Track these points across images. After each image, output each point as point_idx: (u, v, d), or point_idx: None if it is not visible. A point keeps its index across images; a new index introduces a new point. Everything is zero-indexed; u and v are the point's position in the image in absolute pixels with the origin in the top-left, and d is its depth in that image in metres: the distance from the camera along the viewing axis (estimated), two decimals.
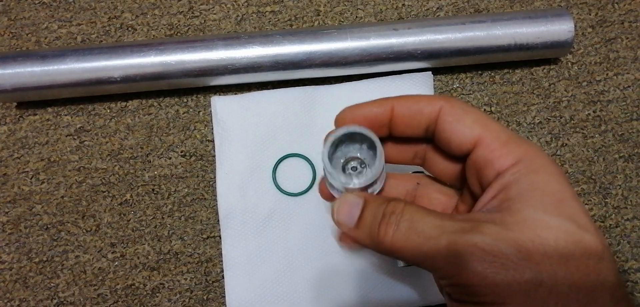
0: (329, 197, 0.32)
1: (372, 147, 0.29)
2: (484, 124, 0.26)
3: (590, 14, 0.50)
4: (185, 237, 0.44)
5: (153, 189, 0.44)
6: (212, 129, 0.45)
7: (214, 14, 0.49)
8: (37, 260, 0.43)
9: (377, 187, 0.30)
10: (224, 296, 0.42)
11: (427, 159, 0.31)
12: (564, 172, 0.25)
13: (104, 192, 0.44)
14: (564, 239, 0.22)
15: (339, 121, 0.30)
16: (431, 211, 0.25)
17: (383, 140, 0.30)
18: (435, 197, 0.32)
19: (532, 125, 0.47)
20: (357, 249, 0.31)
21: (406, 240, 0.24)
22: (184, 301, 0.42)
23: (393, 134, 0.30)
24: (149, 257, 0.43)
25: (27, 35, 0.48)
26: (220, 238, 0.43)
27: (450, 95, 0.47)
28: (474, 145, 0.26)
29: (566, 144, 0.47)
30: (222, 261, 0.43)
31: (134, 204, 0.44)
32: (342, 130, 0.28)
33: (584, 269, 0.21)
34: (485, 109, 0.47)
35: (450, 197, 0.31)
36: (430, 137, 0.29)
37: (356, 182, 0.28)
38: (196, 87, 0.45)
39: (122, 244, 0.43)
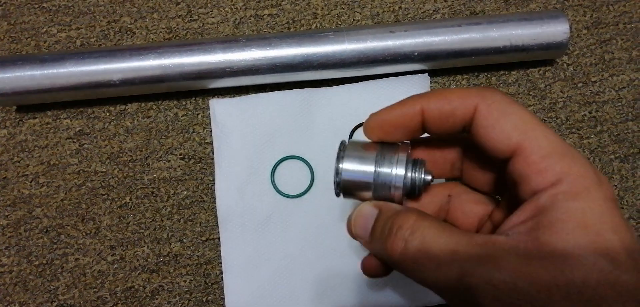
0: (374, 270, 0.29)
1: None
2: (525, 131, 0.22)
3: (585, 16, 0.50)
4: (184, 240, 0.44)
5: (152, 192, 0.45)
6: (211, 131, 0.45)
7: (212, 17, 0.49)
8: (37, 263, 0.43)
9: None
10: (223, 298, 0.42)
11: (464, 169, 0.29)
12: (612, 195, 0.21)
13: (104, 195, 0.44)
14: (595, 280, 0.19)
15: (368, 131, 0.28)
16: (446, 227, 0.23)
17: (416, 144, 0.29)
18: (469, 209, 0.29)
19: None
20: (380, 275, 0.28)
21: (415, 262, 0.22)
22: (183, 303, 0.43)
23: (427, 132, 0.27)
24: (149, 259, 0.43)
25: (26, 39, 0.48)
26: (219, 240, 0.43)
27: None
28: (512, 155, 0.23)
29: None
30: (221, 262, 0.43)
31: (134, 206, 0.44)
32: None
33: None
34: None
35: (487, 207, 0.28)
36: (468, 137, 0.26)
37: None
38: (195, 90, 0.46)
39: (121, 247, 0.44)
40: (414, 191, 0.27)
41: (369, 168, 0.26)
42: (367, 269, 0.28)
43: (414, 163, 0.27)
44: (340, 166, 0.27)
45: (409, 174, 0.26)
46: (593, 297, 0.19)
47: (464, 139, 0.28)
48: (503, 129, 0.22)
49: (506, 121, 0.23)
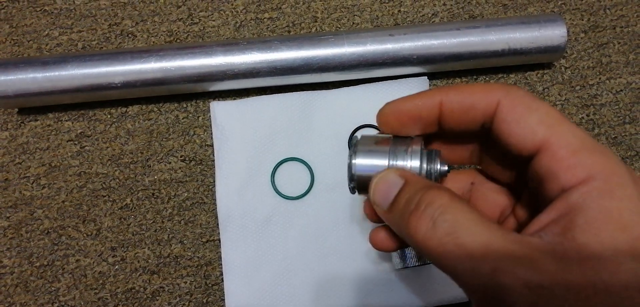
0: (373, 216, 0.28)
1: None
2: (551, 126, 0.21)
3: (582, 20, 0.51)
4: (185, 241, 0.44)
5: (153, 194, 0.45)
6: (212, 133, 0.46)
7: (213, 20, 0.49)
8: (38, 264, 0.43)
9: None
10: (224, 299, 0.42)
11: (483, 159, 0.28)
12: None
13: (105, 196, 0.45)
14: (636, 286, 0.18)
15: (382, 119, 0.26)
16: (480, 216, 0.21)
17: (432, 137, 0.28)
18: (492, 197, 0.27)
19: None
20: (390, 249, 0.27)
21: (443, 247, 0.20)
22: (183, 304, 0.43)
23: (444, 130, 0.26)
24: (149, 261, 0.43)
25: (28, 42, 0.48)
26: (220, 242, 0.43)
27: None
28: (537, 151, 0.21)
29: None
30: (221, 264, 0.43)
31: (134, 208, 0.45)
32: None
33: None
34: None
35: (510, 198, 0.27)
36: (487, 133, 0.24)
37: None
38: (195, 92, 0.46)
39: (122, 248, 0.44)
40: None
41: (383, 162, 0.26)
42: (376, 242, 0.27)
43: (428, 154, 0.26)
44: (354, 161, 0.26)
45: (425, 166, 0.25)
46: (634, 304, 0.18)
47: (479, 137, 0.27)
48: (528, 124, 0.21)
49: (531, 116, 0.21)
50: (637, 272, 0.18)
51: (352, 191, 0.27)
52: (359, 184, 0.27)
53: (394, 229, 0.24)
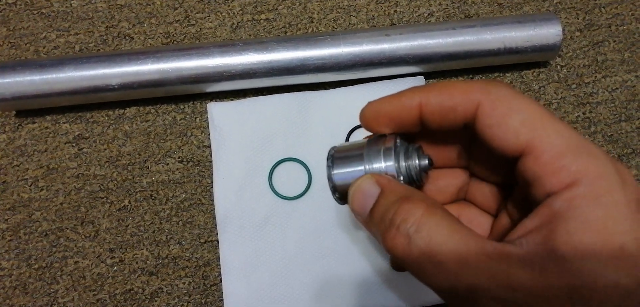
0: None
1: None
2: (535, 127, 0.20)
3: (577, 18, 0.51)
4: (183, 242, 0.44)
5: (151, 195, 0.45)
6: (209, 134, 0.46)
7: (210, 22, 0.50)
8: (36, 266, 0.43)
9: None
10: (222, 300, 0.42)
11: (470, 159, 0.27)
12: (637, 195, 0.19)
13: (103, 198, 0.45)
14: (617, 301, 0.17)
15: (363, 121, 0.26)
16: (457, 227, 0.20)
17: (417, 135, 0.27)
18: (489, 191, 0.27)
19: None
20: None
21: (419, 265, 0.20)
22: (182, 304, 0.43)
23: (428, 129, 0.25)
24: (148, 262, 0.44)
25: (25, 44, 0.48)
26: (218, 242, 0.43)
27: None
28: (521, 154, 0.20)
29: None
30: (219, 265, 0.43)
31: (132, 209, 0.45)
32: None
33: None
34: None
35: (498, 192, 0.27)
36: (471, 133, 0.23)
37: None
38: (193, 93, 0.46)
39: (120, 250, 0.44)
40: (412, 180, 0.25)
41: (359, 167, 0.25)
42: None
43: (406, 150, 0.25)
44: (332, 172, 0.26)
45: (403, 164, 0.25)
46: None
47: (464, 137, 0.27)
48: (510, 126, 0.20)
49: (513, 117, 0.20)
50: (620, 289, 0.17)
51: (339, 201, 0.27)
52: (341, 194, 0.26)
53: (373, 235, 0.24)
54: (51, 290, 0.43)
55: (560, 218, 0.18)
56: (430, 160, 0.25)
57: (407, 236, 0.21)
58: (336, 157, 0.27)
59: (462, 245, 0.20)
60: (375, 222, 0.23)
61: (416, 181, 0.25)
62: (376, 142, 0.26)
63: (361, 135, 0.46)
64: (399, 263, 0.22)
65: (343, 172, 0.26)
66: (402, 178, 0.25)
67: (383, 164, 0.25)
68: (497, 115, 0.21)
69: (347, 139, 0.45)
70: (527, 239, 0.19)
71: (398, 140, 0.25)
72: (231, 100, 0.47)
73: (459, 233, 0.20)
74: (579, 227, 0.18)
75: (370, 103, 0.26)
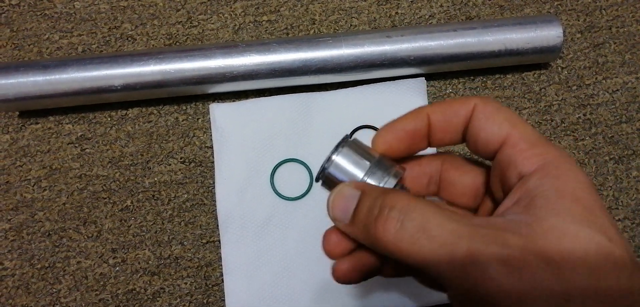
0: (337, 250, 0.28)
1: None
2: (514, 123, 0.24)
3: (578, 20, 0.51)
4: (185, 242, 0.44)
5: (153, 195, 0.45)
6: (211, 135, 0.46)
7: (212, 23, 0.50)
8: (39, 266, 0.44)
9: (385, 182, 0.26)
10: (224, 300, 0.43)
11: (442, 181, 0.29)
12: (592, 182, 0.23)
13: (105, 198, 0.45)
14: (594, 252, 0.20)
15: (378, 144, 0.27)
16: (444, 210, 0.22)
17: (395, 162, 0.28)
18: (460, 181, 0.29)
19: None
20: (354, 280, 0.27)
21: (413, 243, 0.21)
22: (184, 305, 0.43)
23: (431, 144, 0.28)
24: (150, 262, 0.44)
25: (29, 46, 0.49)
26: (220, 243, 0.44)
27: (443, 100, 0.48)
28: (501, 144, 0.24)
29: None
30: (221, 265, 0.43)
31: (135, 210, 0.45)
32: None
33: (616, 284, 0.20)
34: None
35: (477, 178, 0.29)
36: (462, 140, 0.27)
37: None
38: (195, 94, 0.46)
39: (123, 250, 0.44)
40: None
41: (358, 174, 0.26)
42: (340, 274, 0.26)
43: (401, 189, 0.26)
44: (334, 157, 0.27)
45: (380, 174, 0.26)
46: (594, 267, 0.20)
47: (445, 156, 0.30)
48: (496, 121, 0.25)
49: (499, 115, 0.25)
50: (592, 240, 0.20)
51: (317, 179, 0.27)
52: (328, 180, 0.27)
53: (359, 241, 0.25)
54: (54, 290, 0.43)
55: (535, 192, 0.22)
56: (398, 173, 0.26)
57: (398, 220, 0.22)
58: (345, 149, 0.27)
59: (454, 220, 0.22)
60: (360, 219, 0.24)
61: None
62: (385, 167, 0.26)
63: (361, 135, 0.46)
64: (387, 251, 0.23)
65: (342, 167, 0.26)
66: None
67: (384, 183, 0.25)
68: (488, 112, 0.25)
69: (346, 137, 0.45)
70: (508, 212, 0.23)
71: (403, 177, 0.27)
72: (233, 101, 0.47)
73: (447, 212, 0.22)
74: (552, 196, 0.21)
75: (381, 130, 0.27)
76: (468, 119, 0.26)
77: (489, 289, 0.20)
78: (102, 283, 0.43)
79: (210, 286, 0.44)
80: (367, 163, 0.26)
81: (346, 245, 0.27)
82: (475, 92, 0.49)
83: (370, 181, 0.26)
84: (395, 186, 0.26)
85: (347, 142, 0.27)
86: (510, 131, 0.24)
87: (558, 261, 0.20)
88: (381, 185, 0.25)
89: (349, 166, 0.26)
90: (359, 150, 0.27)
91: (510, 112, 0.25)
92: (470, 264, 0.20)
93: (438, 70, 0.47)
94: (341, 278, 0.26)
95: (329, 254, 0.27)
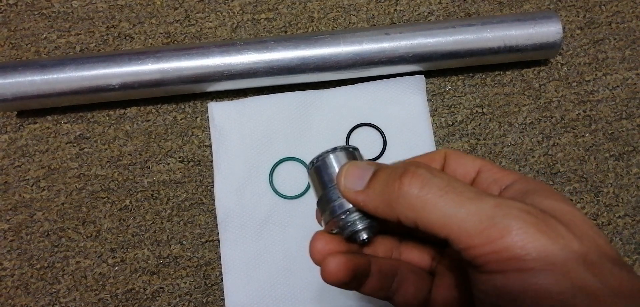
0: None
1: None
2: (482, 160, 0.27)
3: (578, 16, 0.51)
4: (184, 242, 0.44)
5: (152, 195, 0.45)
6: (210, 134, 0.46)
7: (210, 22, 0.50)
8: (38, 266, 0.44)
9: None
10: (223, 299, 0.43)
11: (402, 247, 0.30)
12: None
13: (104, 198, 0.45)
14: (589, 225, 0.22)
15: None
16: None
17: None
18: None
19: (524, 126, 0.48)
20: (343, 276, 0.25)
21: (441, 196, 0.21)
22: (183, 304, 0.43)
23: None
24: (149, 261, 0.44)
25: (26, 45, 0.49)
26: (219, 241, 0.43)
27: (442, 97, 0.48)
28: (477, 173, 0.26)
29: (557, 144, 0.47)
30: (220, 264, 0.43)
31: (134, 209, 0.45)
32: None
33: (609, 249, 0.21)
34: (477, 111, 0.48)
35: (476, 164, 0.28)
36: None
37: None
38: (193, 93, 0.46)
39: (122, 249, 0.44)
40: (349, 236, 0.26)
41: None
42: (330, 271, 0.25)
43: (367, 218, 0.25)
44: (330, 154, 0.26)
45: (354, 215, 0.25)
46: (594, 237, 0.21)
47: (447, 151, 0.30)
48: (467, 160, 0.27)
49: (468, 157, 0.28)
50: (580, 217, 0.22)
51: (310, 165, 0.27)
52: (317, 170, 0.26)
53: (369, 208, 0.24)
54: (53, 290, 0.43)
55: (522, 189, 0.24)
56: (369, 239, 0.26)
57: (425, 177, 0.22)
58: (341, 153, 0.26)
59: (473, 188, 0.22)
60: (377, 182, 0.24)
61: (351, 239, 0.26)
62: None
63: (361, 134, 0.46)
64: (407, 208, 0.22)
65: (334, 167, 0.26)
66: (348, 222, 0.25)
67: (344, 203, 0.25)
68: (458, 155, 0.28)
69: (347, 138, 0.45)
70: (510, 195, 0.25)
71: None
72: (232, 99, 0.47)
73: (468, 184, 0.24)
74: (536, 189, 0.24)
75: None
76: (443, 165, 0.28)
77: (516, 242, 0.20)
78: (101, 283, 0.43)
79: (209, 285, 0.43)
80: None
81: (332, 248, 0.26)
82: (474, 89, 0.49)
83: (339, 199, 0.25)
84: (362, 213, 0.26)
85: (350, 152, 0.27)
86: (481, 165, 0.26)
87: (570, 223, 0.21)
88: (344, 202, 0.25)
89: (336, 168, 0.26)
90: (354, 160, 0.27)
91: (476, 156, 0.28)
92: (501, 216, 0.20)
93: (437, 67, 0.47)
94: (332, 275, 0.25)
95: (316, 256, 0.26)
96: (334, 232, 0.27)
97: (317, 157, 0.27)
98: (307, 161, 0.45)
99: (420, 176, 0.22)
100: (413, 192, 0.22)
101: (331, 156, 0.26)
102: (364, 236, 0.26)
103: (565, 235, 0.20)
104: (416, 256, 0.29)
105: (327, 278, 0.25)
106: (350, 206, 0.25)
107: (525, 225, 0.20)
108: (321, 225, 0.27)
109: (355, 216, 0.25)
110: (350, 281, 0.26)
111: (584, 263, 0.20)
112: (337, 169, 0.26)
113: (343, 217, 0.25)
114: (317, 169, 0.26)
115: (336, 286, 0.25)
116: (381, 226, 0.27)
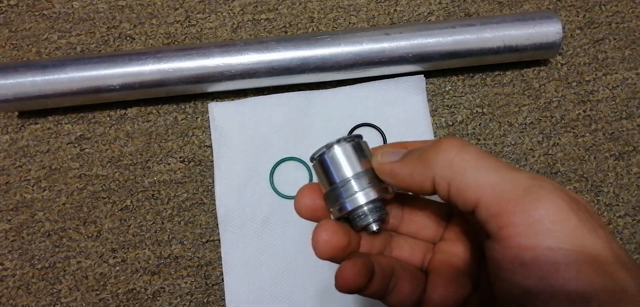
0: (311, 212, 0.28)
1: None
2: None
3: (578, 16, 0.51)
4: (185, 242, 0.44)
5: (153, 195, 0.45)
6: (210, 134, 0.46)
7: (210, 22, 0.50)
8: (39, 266, 0.44)
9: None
10: (224, 298, 0.43)
11: (403, 221, 0.30)
12: None
13: (105, 198, 0.45)
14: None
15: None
16: None
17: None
18: (422, 221, 0.29)
19: (524, 125, 0.48)
20: (358, 284, 0.25)
21: (480, 160, 0.22)
22: (184, 304, 0.43)
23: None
24: (150, 261, 0.44)
25: (27, 46, 0.49)
26: (220, 241, 0.44)
27: (442, 97, 0.48)
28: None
29: (557, 144, 0.47)
30: (221, 264, 0.43)
31: (134, 209, 0.45)
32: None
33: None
34: (477, 111, 0.48)
35: (439, 222, 0.29)
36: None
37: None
38: (194, 93, 0.46)
39: (123, 249, 0.44)
40: (352, 224, 0.26)
41: (348, 172, 0.26)
42: (346, 278, 0.24)
43: (377, 208, 0.26)
44: (335, 146, 0.26)
45: (364, 208, 0.25)
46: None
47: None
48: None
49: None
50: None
51: (312, 158, 0.27)
52: (320, 163, 0.26)
53: (403, 173, 0.24)
54: (54, 290, 0.43)
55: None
56: (377, 230, 0.26)
57: (461, 145, 0.23)
58: (347, 144, 0.26)
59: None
60: (415, 152, 0.25)
61: (356, 226, 0.26)
62: (376, 180, 0.26)
63: (361, 134, 0.46)
64: (445, 171, 0.23)
65: (336, 159, 0.26)
66: (359, 215, 0.26)
67: (354, 196, 0.25)
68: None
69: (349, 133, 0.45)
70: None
71: (387, 197, 0.26)
72: (232, 100, 0.47)
73: None
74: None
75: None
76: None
77: (549, 214, 0.20)
78: (102, 283, 0.43)
79: (210, 285, 0.44)
80: (359, 168, 0.26)
81: (337, 242, 0.26)
82: (474, 89, 0.49)
83: (348, 187, 0.25)
84: (375, 200, 0.25)
85: (357, 142, 0.27)
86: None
87: (582, 203, 0.22)
88: (361, 192, 0.25)
89: (343, 160, 0.26)
90: (359, 153, 0.27)
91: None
92: (537, 186, 0.21)
93: (437, 67, 0.47)
94: (348, 281, 0.25)
95: (320, 247, 0.26)
96: (339, 215, 0.26)
97: (321, 152, 0.27)
98: (308, 161, 0.45)
99: (458, 142, 0.23)
100: (451, 153, 0.23)
101: (326, 157, 0.26)
102: (375, 217, 0.26)
103: (593, 217, 0.21)
104: (407, 252, 0.29)
105: (342, 285, 0.25)
106: (363, 189, 0.25)
107: (560, 200, 0.20)
108: (326, 207, 0.27)
109: (368, 197, 0.25)
110: (365, 286, 0.25)
111: (610, 248, 0.20)
112: (344, 156, 0.26)
113: (355, 197, 0.25)
114: (329, 155, 0.26)
115: (348, 292, 0.25)
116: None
